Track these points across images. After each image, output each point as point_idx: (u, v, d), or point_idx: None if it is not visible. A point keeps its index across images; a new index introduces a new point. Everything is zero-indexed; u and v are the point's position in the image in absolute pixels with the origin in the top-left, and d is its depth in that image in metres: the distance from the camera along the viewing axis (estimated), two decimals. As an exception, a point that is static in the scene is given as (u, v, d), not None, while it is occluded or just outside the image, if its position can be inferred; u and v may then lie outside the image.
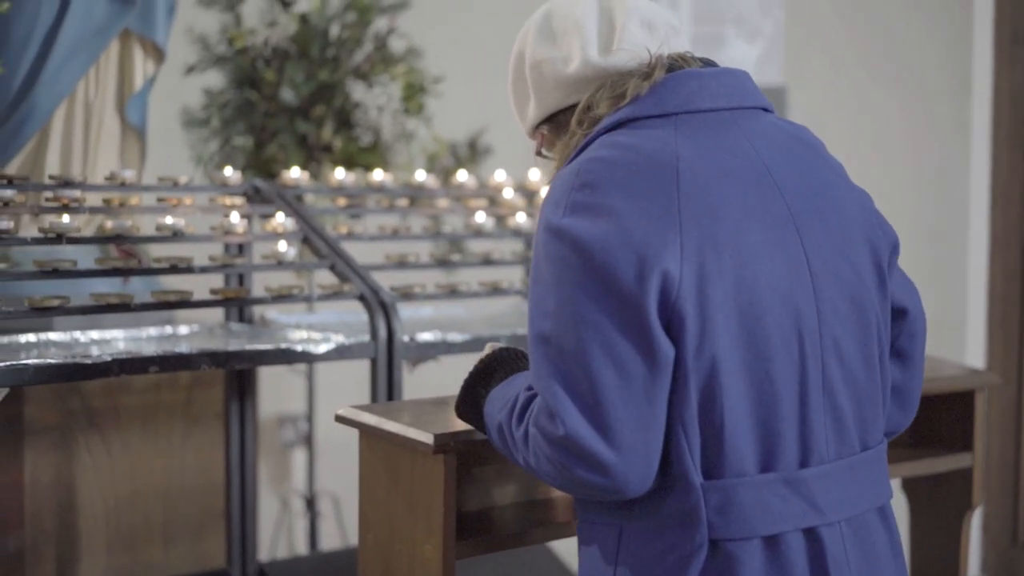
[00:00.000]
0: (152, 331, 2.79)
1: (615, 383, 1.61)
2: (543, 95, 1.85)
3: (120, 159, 3.58)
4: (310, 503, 4.13)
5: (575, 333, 1.62)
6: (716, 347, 1.65)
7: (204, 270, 2.51)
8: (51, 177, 2.59)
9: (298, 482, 4.72)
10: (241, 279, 2.82)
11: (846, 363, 1.75)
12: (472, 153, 4.02)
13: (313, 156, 3.73)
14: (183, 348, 2.47)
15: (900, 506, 2.66)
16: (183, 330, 2.82)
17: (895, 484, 2.97)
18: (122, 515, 3.18)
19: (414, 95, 3.79)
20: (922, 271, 3.39)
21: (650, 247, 1.64)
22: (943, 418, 2.66)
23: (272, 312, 3.00)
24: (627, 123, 1.75)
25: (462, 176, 3.24)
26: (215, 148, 3.68)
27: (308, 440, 4.22)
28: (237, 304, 2.51)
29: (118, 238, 2.47)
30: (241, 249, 2.85)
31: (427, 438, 1.93)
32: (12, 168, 3.45)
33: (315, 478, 4.21)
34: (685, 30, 1.78)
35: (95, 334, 2.71)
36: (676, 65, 1.79)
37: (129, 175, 2.66)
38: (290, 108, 3.71)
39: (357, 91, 3.74)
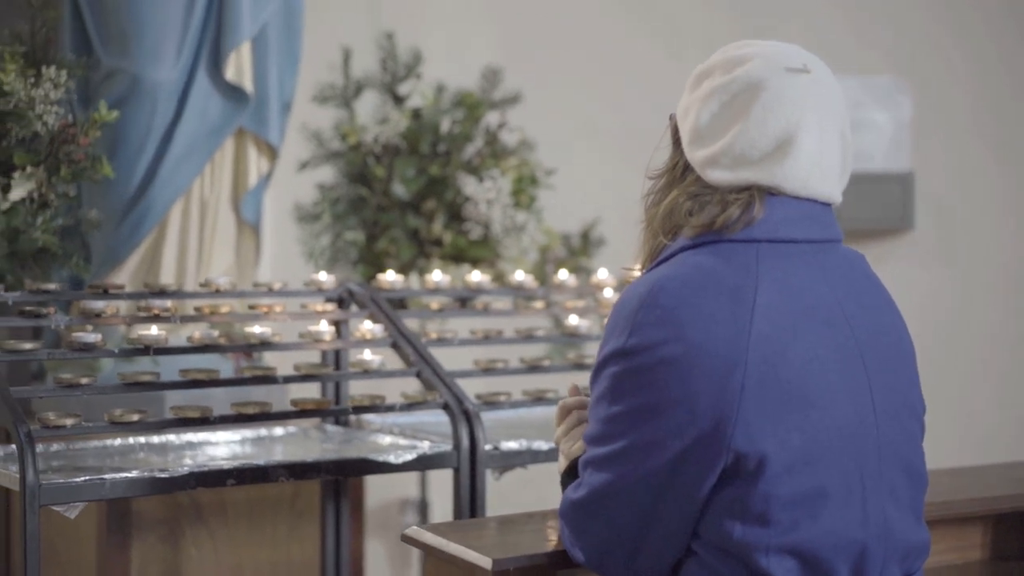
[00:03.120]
0: (248, 433, 2.83)
1: (642, 507, 1.68)
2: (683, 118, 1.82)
3: (236, 255, 3.66)
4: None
5: (621, 451, 1.68)
6: (772, 485, 1.64)
7: (288, 380, 2.54)
8: (146, 285, 2.66)
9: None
10: (335, 386, 2.86)
11: (900, 507, 1.74)
12: (585, 244, 4.01)
13: (423, 250, 3.77)
14: (278, 453, 2.51)
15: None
16: (278, 432, 2.87)
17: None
18: (228, 609, 3.22)
19: (524, 188, 3.80)
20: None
21: (711, 382, 1.63)
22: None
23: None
24: (711, 243, 1.73)
25: (563, 275, 3.23)
26: (327, 243, 3.74)
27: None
28: (316, 416, 2.54)
29: (205, 348, 2.52)
30: (338, 356, 2.88)
31: (486, 562, 1.91)
32: (130, 265, 3.56)
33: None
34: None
35: (190, 435, 2.76)
36: (769, 190, 1.76)
37: (223, 282, 2.71)
38: (401, 202, 3.75)
39: (468, 185, 3.77)
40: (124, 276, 3.56)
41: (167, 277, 3.55)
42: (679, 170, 1.82)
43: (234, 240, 3.68)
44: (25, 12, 3.06)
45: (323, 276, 2.87)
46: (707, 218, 1.74)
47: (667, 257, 1.77)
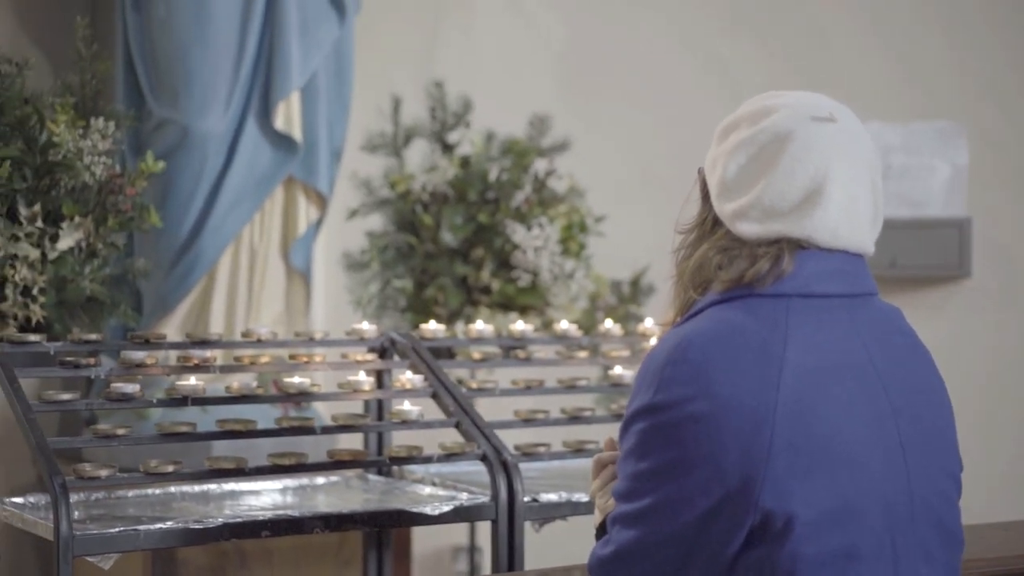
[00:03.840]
0: (290, 482, 2.83)
1: (669, 566, 1.66)
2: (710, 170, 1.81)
3: (285, 303, 3.69)
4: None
5: (648, 508, 1.66)
6: (800, 545, 1.61)
7: (325, 431, 2.54)
8: (188, 335, 2.67)
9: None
10: (377, 436, 2.86)
11: (934, 569, 1.71)
12: (635, 292, 3.99)
13: (472, 298, 3.77)
14: (319, 502, 2.51)
15: None
16: (320, 480, 2.86)
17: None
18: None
19: (573, 235, 3.80)
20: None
21: (739, 440, 1.61)
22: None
23: (411, 461, 3.01)
24: (740, 298, 1.71)
25: (608, 324, 3.21)
26: (375, 291, 3.75)
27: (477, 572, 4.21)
28: (352, 467, 2.53)
29: (243, 398, 2.52)
30: (381, 405, 2.88)
31: (515, 621, 1.90)
32: (180, 313, 3.60)
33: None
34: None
35: (232, 484, 2.76)
36: (799, 243, 1.74)
37: (264, 332, 2.72)
38: (450, 250, 3.76)
39: (517, 232, 3.77)
40: (174, 323, 3.60)
41: (216, 325, 3.59)
42: (708, 224, 1.80)
43: (284, 288, 3.71)
44: (76, 64, 3.11)
45: (365, 325, 2.87)
46: (736, 272, 1.72)
47: (696, 312, 1.75)
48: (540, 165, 3.84)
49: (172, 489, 2.67)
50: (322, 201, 3.69)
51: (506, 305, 3.76)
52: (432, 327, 2.98)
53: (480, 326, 3.03)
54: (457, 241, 3.75)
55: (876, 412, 1.68)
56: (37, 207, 2.89)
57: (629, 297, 3.95)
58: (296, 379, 2.59)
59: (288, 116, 3.57)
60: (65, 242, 2.94)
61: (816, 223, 1.71)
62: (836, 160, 1.71)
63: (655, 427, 1.67)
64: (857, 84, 4.57)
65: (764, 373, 1.64)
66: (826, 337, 1.69)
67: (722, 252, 1.75)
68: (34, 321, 2.89)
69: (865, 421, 1.67)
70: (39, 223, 2.89)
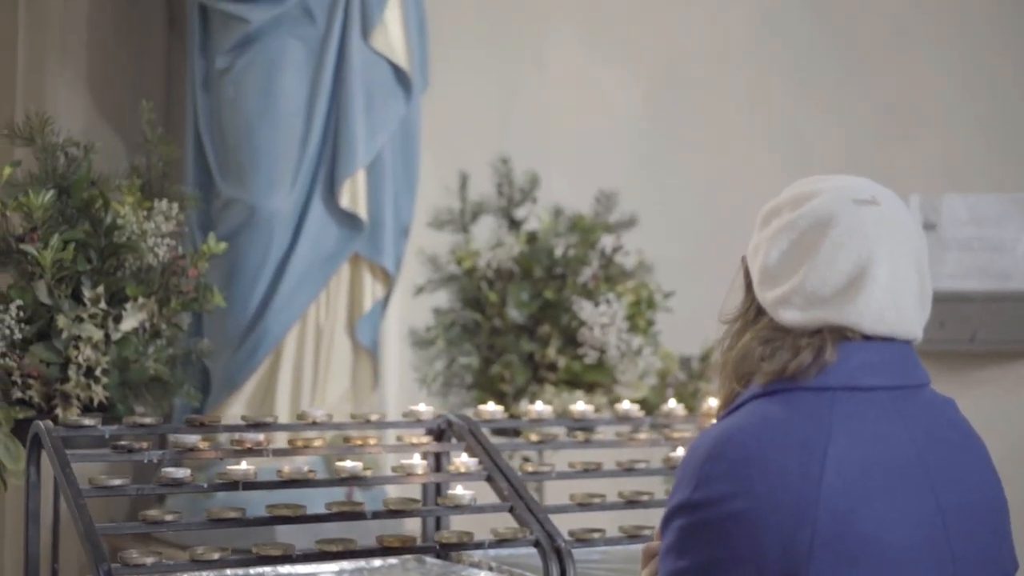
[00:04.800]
0: (347, 564, 2.82)
1: None
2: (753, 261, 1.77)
3: (352, 381, 3.70)
4: None
5: None
6: None
7: (376, 515, 2.52)
8: (243, 418, 2.68)
9: None
10: (435, 520, 2.84)
11: None
12: (705, 368, 3.94)
13: (538, 375, 3.74)
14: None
15: None
16: (376, 563, 2.84)
17: None
18: None
19: (641, 312, 3.76)
20: None
21: (779, 539, 1.57)
22: None
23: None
24: (783, 391, 1.68)
25: (671, 404, 3.16)
26: (441, 368, 3.75)
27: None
28: (400, 553, 2.51)
29: (293, 483, 2.51)
30: (439, 488, 2.86)
31: None
32: (247, 390, 3.61)
33: None
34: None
35: (286, 567, 2.75)
36: (843, 334, 1.70)
37: (319, 414, 2.72)
38: (516, 326, 3.74)
39: (584, 309, 3.74)
40: (241, 401, 3.62)
41: (283, 403, 3.60)
42: (752, 313, 1.77)
43: (350, 365, 3.72)
44: (143, 147, 3.16)
45: (422, 407, 2.86)
46: (779, 364, 1.68)
47: (739, 405, 1.71)
48: (607, 241, 3.83)
49: (227, 572, 2.66)
50: (388, 278, 3.70)
51: (573, 382, 3.73)
52: (491, 408, 2.96)
53: (539, 407, 3.00)
54: (523, 318, 3.74)
55: (923, 510, 1.63)
56: (101, 288, 2.92)
57: (698, 373, 3.90)
58: (348, 463, 2.58)
59: (354, 194, 3.59)
60: (129, 323, 2.97)
61: (861, 308, 1.67)
62: (879, 243, 1.68)
63: (694, 525, 1.64)
64: (936, 155, 4.49)
65: (806, 469, 1.60)
66: (872, 432, 1.64)
67: (765, 343, 1.71)
68: (96, 402, 2.91)
69: (911, 520, 1.61)
70: (103, 304, 2.92)
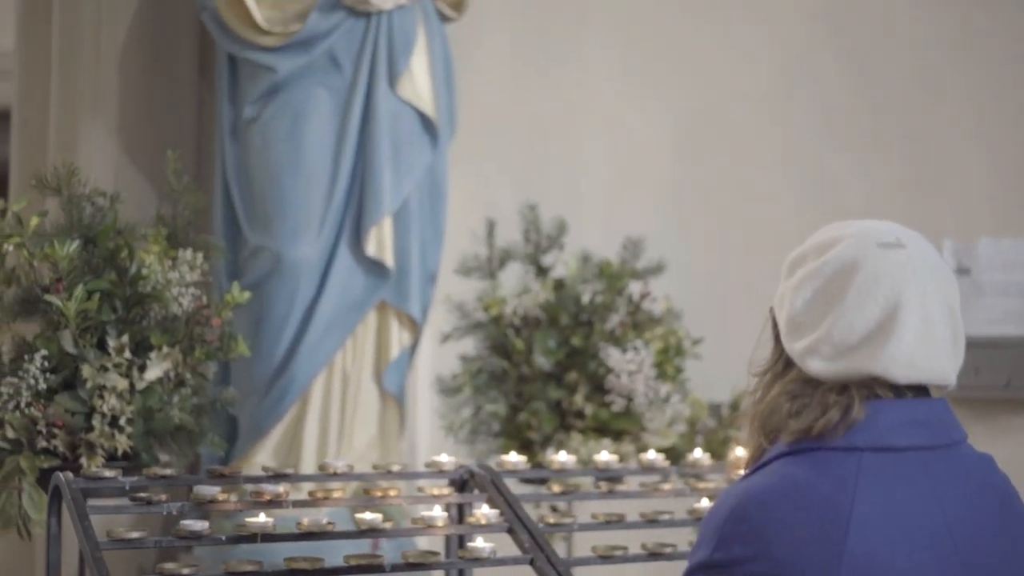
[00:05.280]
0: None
1: None
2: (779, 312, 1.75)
3: (379, 428, 3.69)
4: None
5: None
6: None
7: (395, 568, 2.51)
8: (264, 469, 2.68)
9: None
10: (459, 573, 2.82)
11: None
12: (734, 415, 3.90)
13: (565, 422, 3.72)
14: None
15: None
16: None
17: None
18: None
19: (669, 359, 3.74)
20: None
21: None
22: None
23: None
24: (808, 451, 1.65)
25: (697, 453, 3.14)
26: (467, 416, 3.74)
27: None
28: (418, 608, 2.50)
29: (309, 535, 2.51)
30: (462, 540, 2.84)
31: None
32: (274, 438, 3.61)
33: None
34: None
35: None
36: (872, 390, 1.67)
37: (339, 465, 2.71)
38: (544, 373, 3.73)
39: (612, 356, 3.72)
40: (268, 448, 3.62)
41: (309, 450, 3.60)
42: (780, 365, 1.74)
43: (377, 412, 3.71)
44: (169, 196, 3.17)
45: (444, 458, 2.85)
46: (806, 423, 1.65)
47: (764, 463, 1.69)
48: (634, 288, 3.81)
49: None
50: (415, 325, 3.69)
51: (601, 430, 3.71)
52: (513, 459, 2.94)
53: (563, 457, 2.99)
54: (551, 365, 3.72)
55: None
56: (125, 338, 2.93)
57: (728, 421, 3.87)
58: (368, 515, 2.57)
59: (380, 241, 3.59)
60: (153, 372, 2.98)
61: (891, 355, 1.63)
62: (907, 287, 1.64)
63: None
64: (969, 199, 4.45)
65: (828, 536, 1.56)
66: (899, 496, 1.60)
67: (793, 399, 1.68)
68: (121, 451, 2.92)
69: None
70: (127, 354, 2.93)
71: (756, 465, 1.70)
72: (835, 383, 1.66)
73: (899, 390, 1.67)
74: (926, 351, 1.64)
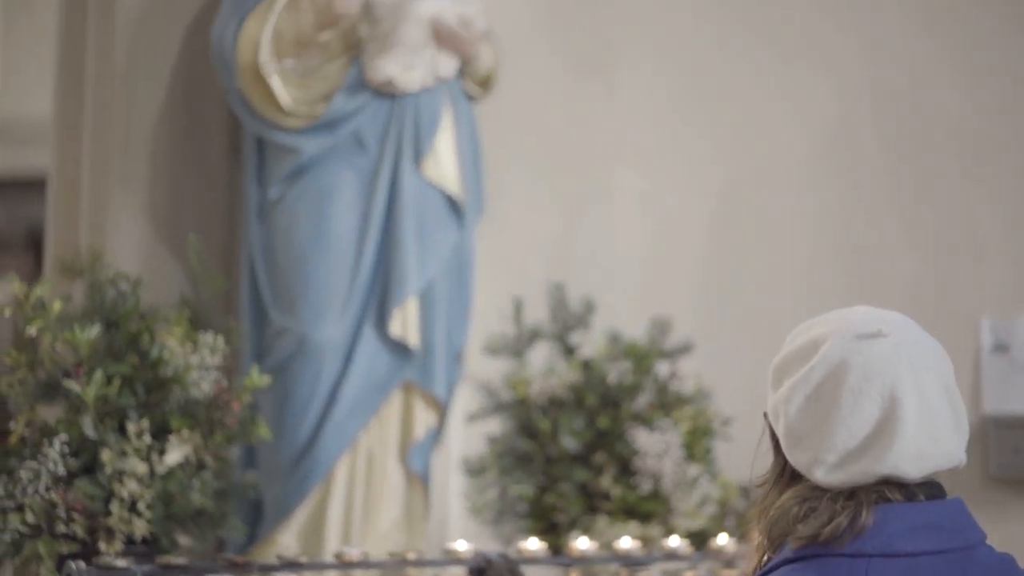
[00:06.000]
0: None
1: None
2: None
3: (404, 509, 3.66)
4: None
5: None
6: None
7: (407, 659, 2.49)
8: (278, 557, 2.66)
9: None
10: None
11: None
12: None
13: (592, 504, 3.68)
14: None
15: None
16: None
17: None
18: None
19: (698, 440, 3.70)
20: None
21: None
22: None
23: None
24: (815, 557, 1.61)
25: (722, 539, 3.09)
26: (493, 497, 3.70)
27: None
28: None
29: (321, 626, 2.49)
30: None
31: None
32: (299, 519, 3.59)
33: None
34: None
35: None
36: (882, 493, 1.63)
37: (355, 554, 2.69)
38: (570, 455, 3.69)
39: (639, 437, 3.68)
40: (293, 529, 3.59)
41: (334, 531, 3.57)
42: (787, 475, 1.70)
43: (403, 493, 3.68)
44: (192, 279, 3.19)
45: (461, 545, 2.83)
46: (813, 529, 1.60)
47: (769, 570, 1.64)
48: (662, 368, 3.77)
49: None
50: (440, 406, 3.67)
51: (629, 512, 3.65)
52: (533, 545, 2.92)
53: (584, 544, 2.95)
54: (577, 446, 3.69)
55: None
56: (145, 422, 2.94)
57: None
58: (381, 605, 2.55)
59: (404, 322, 3.58)
60: (173, 456, 2.98)
61: (898, 452, 1.58)
62: (899, 378, 1.60)
63: None
64: (1007, 276, 4.39)
65: None
66: None
67: (801, 503, 1.64)
68: (139, 536, 2.91)
69: None
70: (147, 438, 2.93)
71: (763, 570, 1.66)
72: (844, 489, 1.61)
73: (910, 491, 1.62)
74: (931, 438, 1.60)
